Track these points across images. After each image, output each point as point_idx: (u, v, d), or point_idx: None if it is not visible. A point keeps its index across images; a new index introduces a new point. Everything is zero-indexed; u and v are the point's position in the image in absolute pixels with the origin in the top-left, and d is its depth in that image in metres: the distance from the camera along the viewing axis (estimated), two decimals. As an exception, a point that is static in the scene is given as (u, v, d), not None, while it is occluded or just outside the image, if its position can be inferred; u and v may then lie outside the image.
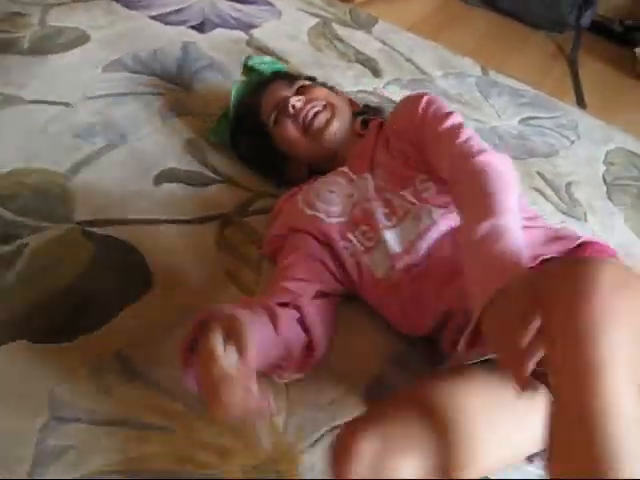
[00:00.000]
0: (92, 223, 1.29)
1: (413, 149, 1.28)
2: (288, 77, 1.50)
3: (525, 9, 2.79)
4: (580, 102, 2.39)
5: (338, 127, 1.37)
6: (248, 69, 1.61)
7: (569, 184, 1.82)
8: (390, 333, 1.24)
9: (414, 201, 1.24)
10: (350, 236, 1.24)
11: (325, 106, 1.39)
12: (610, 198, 1.85)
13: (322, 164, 1.40)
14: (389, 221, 1.24)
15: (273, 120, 1.40)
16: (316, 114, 1.37)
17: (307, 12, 2.28)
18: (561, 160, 1.93)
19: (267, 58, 1.73)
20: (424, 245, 1.20)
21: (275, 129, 1.40)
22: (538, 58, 2.63)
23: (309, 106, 1.37)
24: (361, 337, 1.24)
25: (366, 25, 2.32)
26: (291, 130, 1.38)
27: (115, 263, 1.24)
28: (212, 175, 1.47)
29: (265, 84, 1.47)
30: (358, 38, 2.23)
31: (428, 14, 2.65)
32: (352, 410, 1.07)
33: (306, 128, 1.37)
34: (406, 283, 1.19)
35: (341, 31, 2.23)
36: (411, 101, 1.32)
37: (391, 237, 1.22)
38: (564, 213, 1.71)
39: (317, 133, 1.36)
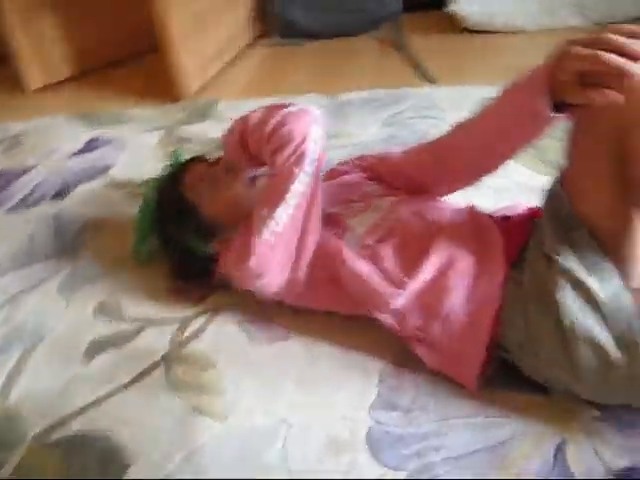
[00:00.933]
0: (49, 431, 1.26)
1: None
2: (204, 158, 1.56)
3: (338, 24, 2.88)
4: (428, 78, 2.47)
5: None
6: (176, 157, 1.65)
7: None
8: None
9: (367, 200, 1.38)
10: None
11: None
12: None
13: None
14: (348, 213, 1.37)
15: (208, 187, 1.43)
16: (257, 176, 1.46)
17: (148, 130, 2.29)
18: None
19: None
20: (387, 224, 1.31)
21: (214, 194, 1.42)
22: (373, 58, 2.71)
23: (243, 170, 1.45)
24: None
25: (209, 112, 2.35)
26: (231, 191, 1.43)
27: (91, 457, 1.21)
28: (133, 327, 1.46)
29: (186, 166, 1.51)
30: (208, 128, 2.25)
31: (258, 72, 2.70)
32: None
33: (248, 184, 1.44)
34: (388, 247, 1.27)
35: (188, 131, 2.25)
36: None
37: (353, 223, 1.34)
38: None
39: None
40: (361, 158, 1.53)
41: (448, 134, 1.33)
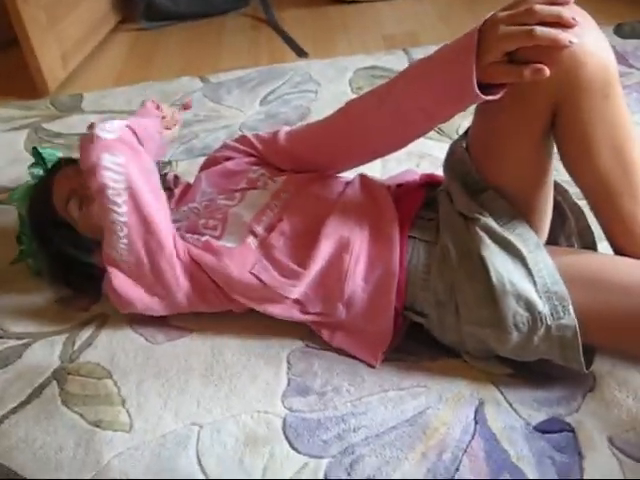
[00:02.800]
0: None
1: None
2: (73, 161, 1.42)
3: (205, 3, 2.79)
4: (301, 53, 2.43)
5: None
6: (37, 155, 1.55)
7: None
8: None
9: (251, 185, 1.31)
10: (195, 236, 1.26)
11: None
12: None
13: None
14: (232, 201, 1.28)
15: (77, 208, 1.32)
16: None
17: (12, 129, 2.13)
18: (315, 114, 1.95)
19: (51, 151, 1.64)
20: (279, 203, 1.26)
21: (86, 208, 1.31)
22: (244, 36, 2.64)
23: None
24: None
25: (75, 106, 2.21)
26: None
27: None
28: (19, 343, 1.34)
29: (53, 177, 1.39)
30: (73, 123, 2.11)
31: (126, 59, 2.58)
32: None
33: None
34: (278, 235, 1.21)
35: (55, 126, 2.11)
36: None
37: (239, 210, 1.26)
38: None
39: None
40: (242, 140, 1.44)
41: (358, 100, 1.22)
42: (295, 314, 1.20)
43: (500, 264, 1.04)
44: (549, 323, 1.02)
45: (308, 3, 2.85)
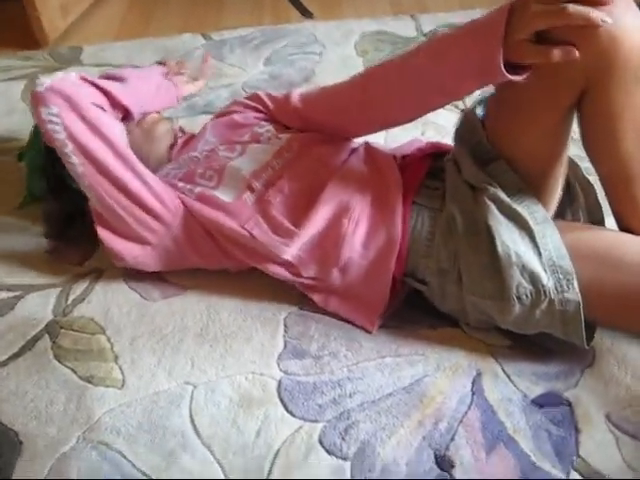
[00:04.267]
0: None
1: None
2: None
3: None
4: (306, 14, 2.38)
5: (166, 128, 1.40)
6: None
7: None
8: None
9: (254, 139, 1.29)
10: (188, 185, 1.24)
11: None
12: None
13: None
14: (232, 153, 1.27)
15: None
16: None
17: (9, 79, 2.09)
18: (319, 77, 1.92)
19: None
20: (281, 162, 1.23)
21: None
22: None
23: None
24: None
25: (74, 58, 2.16)
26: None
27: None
28: (10, 295, 1.32)
29: None
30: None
31: (126, 13, 2.52)
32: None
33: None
34: (276, 192, 1.19)
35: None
36: None
37: (238, 164, 1.24)
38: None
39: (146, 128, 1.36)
40: (253, 97, 1.41)
41: (378, 69, 1.16)
42: (287, 276, 1.19)
43: (506, 235, 1.02)
44: (552, 297, 1.00)
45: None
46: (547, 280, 1.00)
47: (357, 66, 1.95)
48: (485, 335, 1.14)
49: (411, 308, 1.19)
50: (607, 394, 1.05)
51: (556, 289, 1.00)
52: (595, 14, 0.86)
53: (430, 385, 1.08)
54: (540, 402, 1.05)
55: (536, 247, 1.02)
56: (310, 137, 1.27)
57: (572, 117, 1.03)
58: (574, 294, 1.00)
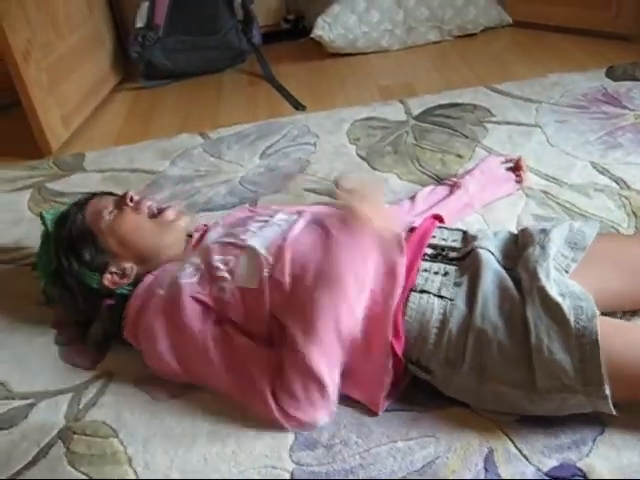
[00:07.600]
0: None
1: None
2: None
3: (202, 60, 2.83)
4: (298, 107, 2.46)
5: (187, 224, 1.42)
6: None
7: (334, 182, 1.86)
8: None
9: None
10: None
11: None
12: (375, 168, 1.94)
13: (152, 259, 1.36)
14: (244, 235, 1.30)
15: (110, 215, 1.36)
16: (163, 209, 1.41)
17: (16, 189, 2.15)
18: (314, 166, 1.99)
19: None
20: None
21: (115, 221, 1.36)
22: (242, 91, 2.69)
23: (148, 202, 1.41)
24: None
25: (77, 165, 2.24)
26: (135, 217, 1.37)
27: None
28: (22, 403, 1.33)
29: (87, 200, 1.43)
30: (77, 182, 2.13)
31: (126, 117, 2.62)
32: None
33: (154, 215, 1.39)
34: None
35: (58, 186, 2.13)
36: None
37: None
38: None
39: (167, 222, 1.38)
40: None
41: None
42: None
43: (542, 329, 1.07)
44: (581, 397, 1.05)
45: (304, 57, 2.90)
46: (575, 377, 1.04)
47: (350, 154, 2.03)
48: (493, 411, 1.14)
49: (418, 390, 1.19)
50: (620, 460, 1.05)
51: (585, 393, 1.05)
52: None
53: (442, 466, 1.07)
54: (554, 474, 1.04)
55: (570, 346, 1.05)
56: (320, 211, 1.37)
57: None
58: (606, 404, 1.04)
